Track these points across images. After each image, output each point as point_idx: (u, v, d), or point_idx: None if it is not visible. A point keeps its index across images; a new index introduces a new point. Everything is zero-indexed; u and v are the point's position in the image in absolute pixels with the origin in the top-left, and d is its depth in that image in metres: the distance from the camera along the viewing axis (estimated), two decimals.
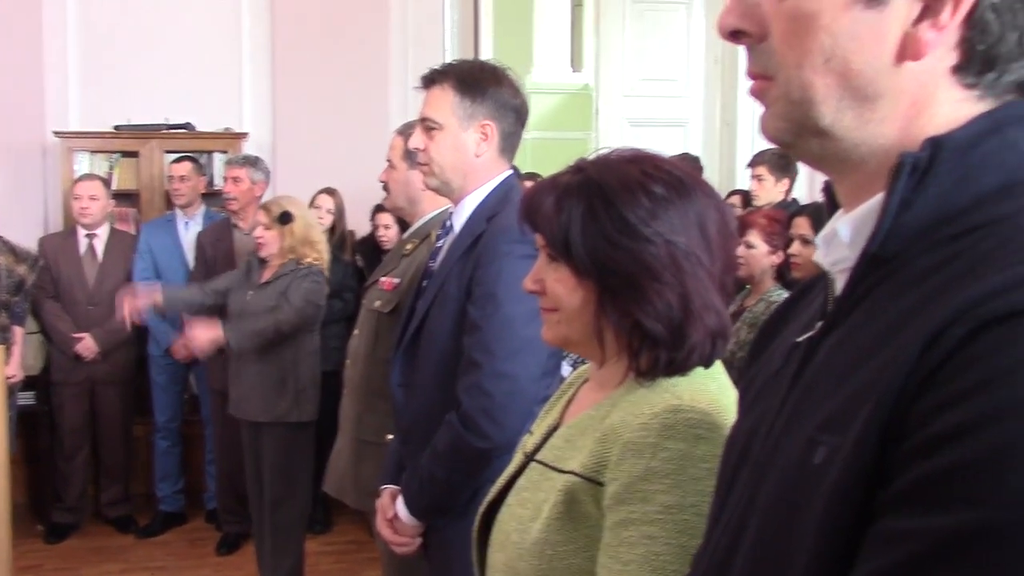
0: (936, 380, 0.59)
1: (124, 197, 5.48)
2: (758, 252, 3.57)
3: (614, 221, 1.24)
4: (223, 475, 4.81)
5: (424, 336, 2.20)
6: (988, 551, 0.54)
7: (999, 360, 0.57)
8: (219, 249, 4.77)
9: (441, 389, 2.12)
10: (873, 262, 0.71)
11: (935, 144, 0.68)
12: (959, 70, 0.70)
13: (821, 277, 0.84)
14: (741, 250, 3.56)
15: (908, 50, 0.69)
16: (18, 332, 4.73)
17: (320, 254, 3.95)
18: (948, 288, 0.63)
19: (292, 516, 3.93)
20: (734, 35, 0.78)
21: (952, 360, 0.59)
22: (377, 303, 2.76)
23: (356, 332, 2.87)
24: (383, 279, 2.80)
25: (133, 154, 5.50)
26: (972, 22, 0.68)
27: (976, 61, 0.70)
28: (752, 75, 0.78)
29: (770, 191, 4.89)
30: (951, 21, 0.68)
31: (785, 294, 2.94)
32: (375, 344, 2.73)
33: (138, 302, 3.90)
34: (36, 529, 4.97)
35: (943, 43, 0.69)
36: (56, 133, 5.43)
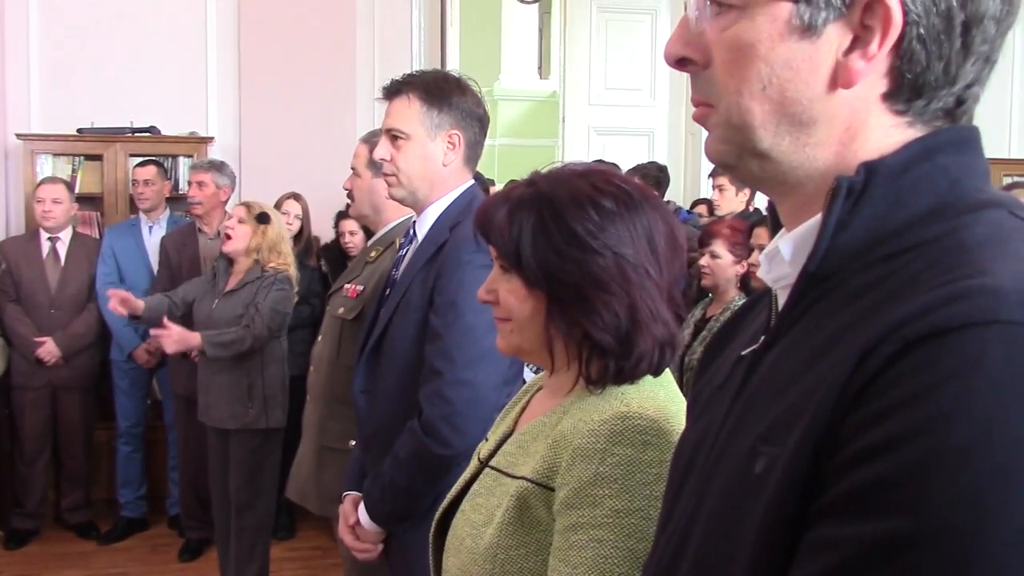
0: (867, 395, 0.62)
1: (87, 201, 5.43)
2: (723, 262, 3.61)
3: (563, 234, 1.27)
4: (186, 481, 4.79)
5: (387, 343, 2.21)
6: (913, 557, 0.57)
7: (923, 378, 0.60)
8: (183, 254, 4.75)
9: (403, 396, 2.13)
10: (812, 280, 0.74)
11: (869, 169, 0.72)
12: (889, 97, 0.74)
13: (767, 292, 0.87)
14: (706, 260, 3.60)
15: (840, 78, 0.73)
16: None
17: (286, 262, 3.92)
18: (879, 307, 0.66)
19: (257, 521, 3.91)
20: (679, 63, 0.80)
21: (881, 377, 0.62)
22: (341, 310, 2.76)
23: (320, 338, 2.87)
24: (347, 286, 2.80)
25: (97, 157, 5.44)
26: (900, 52, 0.71)
27: (905, 89, 0.73)
28: (696, 102, 0.81)
29: (731, 201, 4.94)
30: (879, 51, 0.71)
31: None
32: (338, 351, 2.73)
33: (122, 305, 3.87)
34: None
35: (873, 72, 0.72)
36: (18, 135, 5.37)
